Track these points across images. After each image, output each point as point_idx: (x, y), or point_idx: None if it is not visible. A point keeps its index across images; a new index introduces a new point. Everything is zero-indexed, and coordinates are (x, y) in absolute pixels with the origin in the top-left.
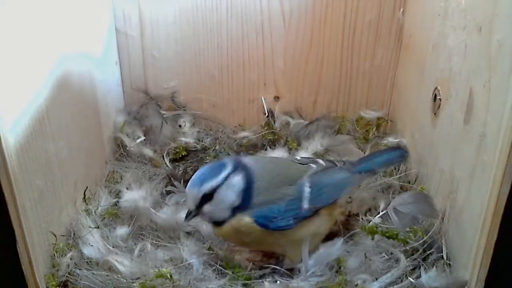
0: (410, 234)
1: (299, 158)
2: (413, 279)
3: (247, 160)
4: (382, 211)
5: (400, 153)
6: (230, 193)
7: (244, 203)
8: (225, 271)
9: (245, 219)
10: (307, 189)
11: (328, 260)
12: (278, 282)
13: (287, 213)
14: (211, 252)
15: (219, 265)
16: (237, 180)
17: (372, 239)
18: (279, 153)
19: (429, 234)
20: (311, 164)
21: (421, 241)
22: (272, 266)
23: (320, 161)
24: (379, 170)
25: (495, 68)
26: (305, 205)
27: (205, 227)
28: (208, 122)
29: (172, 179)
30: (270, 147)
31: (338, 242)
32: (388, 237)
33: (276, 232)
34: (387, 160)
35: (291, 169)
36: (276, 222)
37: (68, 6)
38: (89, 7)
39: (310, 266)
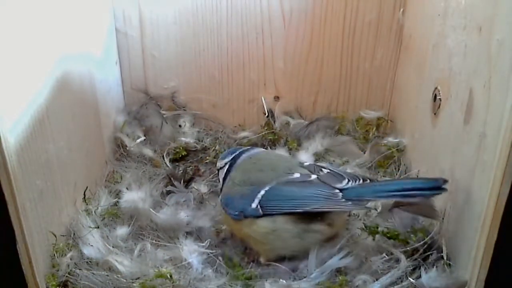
0: (411, 235)
1: (306, 163)
2: (413, 279)
3: (245, 155)
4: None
5: (432, 184)
6: (220, 177)
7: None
8: (225, 270)
9: (218, 199)
10: (262, 192)
11: (331, 268)
12: (279, 281)
13: (238, 205)
14: (211, 251)
15: (219, 265)
16: (224, 169)
17: (373, 239)
18: (278, 152)
19: (430, 235)
20: (295, 173)
21: (421, 242)
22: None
23: (320, 171)
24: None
25: (495, 68)
26: (254, 205)
27: (206, 226)
28: (208, 122)
29: (172, 179)
30: (270, 147)
31: (342, 253)
32: (389, 237)
33: (237, 222)
34: (402, 189)
35: (267, 173)
36: (229, 210)
37: (68, 7)
38: (89, 7)
39: (312, 269)
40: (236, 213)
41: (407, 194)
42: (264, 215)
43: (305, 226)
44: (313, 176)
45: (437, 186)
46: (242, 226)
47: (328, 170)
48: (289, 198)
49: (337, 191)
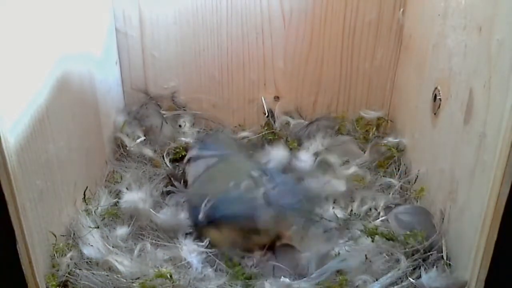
0: (411, 238)
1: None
2: (413, 279)
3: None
4: (382, 216)
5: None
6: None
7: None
8: (225, 270)
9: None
10: (207, 203)
11: (331, 270)
12: (280, 281)
13: (190, 212)
14: (211, 251)
15: (219, 264)
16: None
17: (372, 241)
18: (278, 152)
19: (430, 241)
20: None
21: (422, 245)
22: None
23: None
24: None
25: (495, 68)
26: (200, 215)
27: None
28: (208, 122)
29: (172, 179)
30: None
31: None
32: (388, 239)
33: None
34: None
35: (215, 185)
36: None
37: (68, 7)
38: (89, 7)
39: (313, 270)
40: (195, 222)
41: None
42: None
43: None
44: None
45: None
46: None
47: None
48: (228, 208)
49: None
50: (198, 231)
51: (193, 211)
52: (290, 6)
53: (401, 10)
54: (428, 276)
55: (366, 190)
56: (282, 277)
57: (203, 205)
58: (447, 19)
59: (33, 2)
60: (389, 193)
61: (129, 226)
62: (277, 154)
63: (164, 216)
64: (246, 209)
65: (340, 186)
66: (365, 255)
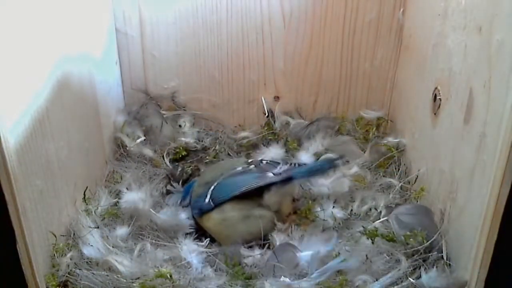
0: (411, 239)
1: (250, 160)
2: (413, 279)
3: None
4: (382, 216)
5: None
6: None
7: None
8: (225, 270)
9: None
10: (211, 187)
11: (331, 270)
12: (280, 281)
13: (197, 204)
14: (210, 250)
15: (219, 264)
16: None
17: (372, 242)
18: (276, 151)
19: (430, 241)
20: (237, 167)
21: (422, 246)
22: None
23: (260, 163)
24: (307, 177)
25: (495, 68)
26: (207, 200)
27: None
28: (208, 122)
29: (172, 179)
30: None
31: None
32: (388, 240)
33: (200, 219)
34: (318, 168)
35: (216, 172)
36: (193, 210)
37: (68, 7)
38: (89, 8)
39: (313, 270)
40: (197, 211)
41: (313, 173)
42: (215, 207)
43: (247, 212)
44: (252, 166)
45: (332, 166)
46: (204, 221)
47: (267, 161)
48: (231, 185)
49: (269, 173)
50: (201, 219)
51: (200, 200)
52: (290, 6)
53: (401, 10)
54: (428, 276)
55: (366, 190)
56: (282, 277)
57: (209, 190)
58: (447, 19)
59: (33, 2)
60: (389, 193)
61: (129, 226)
62: (271, 151)
63: (164, 216)
64: (253, 179)
65: (343, 186)
66: (366, 255)
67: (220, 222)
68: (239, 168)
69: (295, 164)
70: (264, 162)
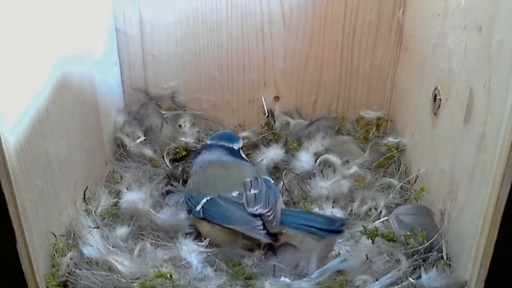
0: (411, 239)
1: (247, 179)
2: (413, 279)
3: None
4: (383, 216)
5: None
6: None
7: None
8: (225, 270)
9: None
10: (204, 200)
11: (331, 270)
12: (280, 281)
13: (189, 203)
14: (210, 250)
15: (219, 264)
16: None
17: (373, 242)
18: (276, 151)
19: (430, 241)
20: (232, 192)
21: (422, 246)
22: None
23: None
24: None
25: (495, 68)
26: (198, 208)
27: None
28: (208, 122)
29: (172, 179)
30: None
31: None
32: (389, 240)
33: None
34: (316, 227)
35: (212, 185)
36: (186, 207)
37: (68, 7)
38: (89, 8)
39: (313, 270)
40: (188, 209)
41: (308, 230)
42: (204, 218)
43: (234, 238)
44: (243, 199)
45: (333, 229)
46: (193, 220)
47: (255, 192)
48: (222, 213)
49: (258, 219)
50: (193, 220)
51: (192, 203)
52: (290, 6)
53: (401, 10)
54: (428, 276)
55: (366, 190)
56: (282, 277)
57: (201, 201)
58: (447, 19)
59: (33, 2)
60: (389, 193)
61: (129, 226)
62: (271, 151)
63: (164, 216)
64: (243, 221)
65: (342, 188)
66: (366, 255)
67: (209, 232)
68: (233, 194)
69: (294, 202)
70: (252, 185)
